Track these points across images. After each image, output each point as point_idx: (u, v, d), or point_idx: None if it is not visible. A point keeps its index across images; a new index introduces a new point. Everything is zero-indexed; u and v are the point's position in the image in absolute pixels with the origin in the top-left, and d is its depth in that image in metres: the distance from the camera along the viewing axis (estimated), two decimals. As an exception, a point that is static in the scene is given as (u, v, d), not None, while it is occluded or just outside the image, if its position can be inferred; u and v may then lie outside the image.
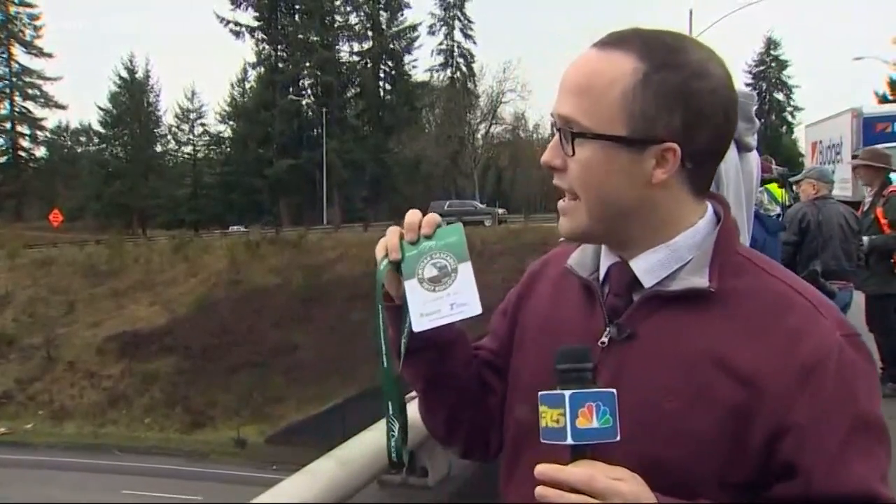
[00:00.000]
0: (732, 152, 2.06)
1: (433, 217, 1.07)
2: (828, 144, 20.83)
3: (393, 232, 1.08)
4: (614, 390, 0.88)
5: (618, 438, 0.87)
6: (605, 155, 0.98)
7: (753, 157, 2.20)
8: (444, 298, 1.03)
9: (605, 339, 1.01)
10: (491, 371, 1.18)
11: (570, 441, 0.86)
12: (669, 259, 1.01)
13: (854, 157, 14.82)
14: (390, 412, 1.09)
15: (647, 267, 1.02)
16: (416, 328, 1.04)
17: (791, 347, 0.93)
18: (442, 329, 1.05)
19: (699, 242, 1.02)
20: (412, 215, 1.08)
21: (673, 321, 0.98)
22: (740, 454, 0.93)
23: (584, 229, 1.02)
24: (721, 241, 1.01)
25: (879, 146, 8.39)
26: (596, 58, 1.00)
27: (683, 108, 0.97)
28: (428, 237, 1.06)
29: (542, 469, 0.88)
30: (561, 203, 1.03)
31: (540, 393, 0.91)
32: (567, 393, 0.87)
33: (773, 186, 7.52)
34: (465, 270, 1.04)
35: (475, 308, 1.03)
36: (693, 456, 0.93)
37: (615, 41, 1.00)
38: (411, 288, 1.05)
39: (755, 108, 2.18)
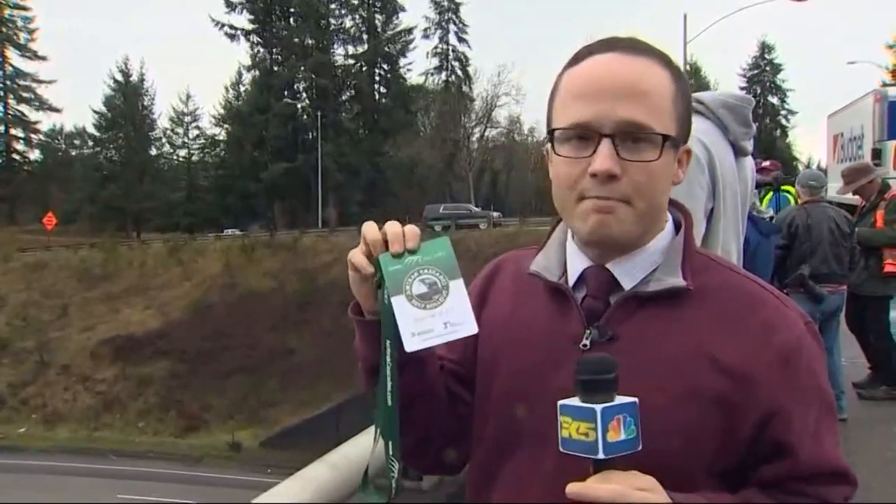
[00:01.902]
0: (729, 156, 2.05)
1: (414, 230, 1.02)
2: (849, 136, 17.38)
3: (374, 236, 1.01)
4: (636, 399, 0.88)
5: (640, 448, 0.88)
6: (667, 158, 1.01)
7: (748, 162, 2.20)
8: (436, 317, 0.98)
9: (586, 342, 1.01)
10: (457, 382, 1.16)
11: (601, 456, 0.86)
12: (645, 262, 1.04)
13: (875, 150, 14.25)
14: (390, 453, 1.02)
15: (627, 270, 1.04)
16: (409, 348, 0.97)
17: (767, 338, 0.99)
18: None
19: (665, 246, 1.05)
20: (394, 226, 1.01)
21: (653, 320, 1.00)
22: (730, 442, 0.97)
23: (631, 232, 1.01)
24: (688, 244, 1.06)
25: (858, 162, 8.41)
26: (636, 63, 1.01)
27: (690, 116, 1.06)
28: (412, 251, 1.00)
29: (573, 489, 0.88)
30: (603, 204, 0.99)
31: (560, 403, 0.90)
32: (598, 407, 0.86)
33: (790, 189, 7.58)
34: (458, 288, 0.99)
35: (471, 327, 0.98)
36: (684, 449, 0.95)
37: (638, 48, 1.03)
38: (399, 305, 0.98)
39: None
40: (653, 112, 0.99)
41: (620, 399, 0.88)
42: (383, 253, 1.01)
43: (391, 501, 1.04)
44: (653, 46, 1.05)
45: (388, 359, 1.01)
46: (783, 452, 0.97)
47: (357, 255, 1.02)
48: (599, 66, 1.01)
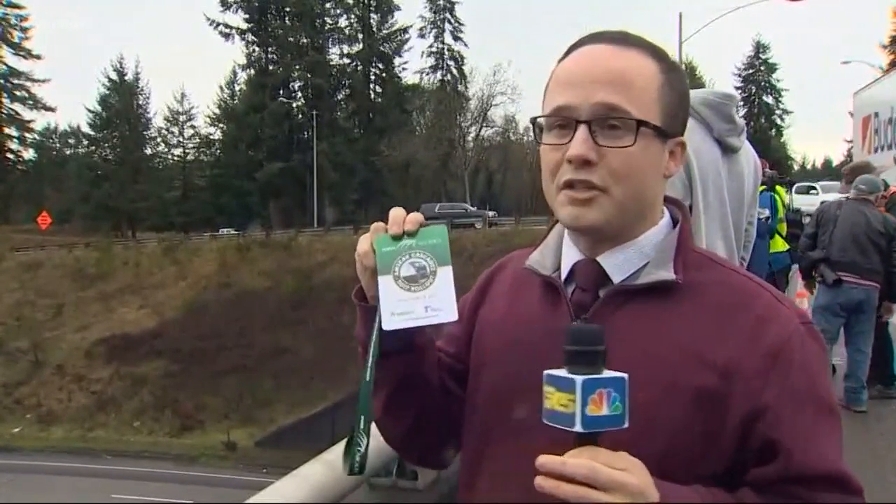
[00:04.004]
0: (713, 153, 2.06)
1: (417, 215, 1.04)
2: (889, 117, 14.35)
3: (376, 227, 1.05)
4: (626, 375, 0.85)
5: (626, 426, 0.85)
6: (648, 146, 1.00)
7: (744, 158, 2.17)
8: (419, 300, 0.99)
9: None
10: (451, 377, 1.16)
11: (578, 429, 0.83)
12: (636, 255, 1.04)
13: None
14: (361, 427, 1.03)
15: (617, 263, 1.04)
16: (386, 326, 0.99)
17: (757, 334, 0.96)
18: (418, 330, 1.03)
19: (660, 241, 1.05)
20: (396, 210, 1.05)
21: (641, 314, 1.00)
22: (716, 440, 0.95)
23: (610, 221, 1.01)
24: (683, 239, 1.05)
25: (858, 161, 8.36)
26: (622, 53, 1.01)
27: (686, 107, 1.05)
28: (410, 235, 1.02)
29: (542, 460, 0.85)
30: (580, 194, 0.99)
31: (546, 372, 0.87)
32: (579, 379, 0.83)
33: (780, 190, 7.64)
34: (445, 274, 1.00)
35: (451, 314, 0.99)
36: (668, 445, 0.94)
37: (627, 40, 1.03)
38: (385, 284, 1.00)
39: (742, 110, 2.18)
40: (632, 99, 0.98)
41: (609, 373, 0.85)
42: (382, 234, 1.03)
43: (362, 476, 1.04)
44: (644, 39, 1.04)
45: (375, 334, 1.03)
46: (774, 453, 0.93)
47: (363, 244, 1.05)
48: (584, 56, 1.03)
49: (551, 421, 0.85)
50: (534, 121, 1.06)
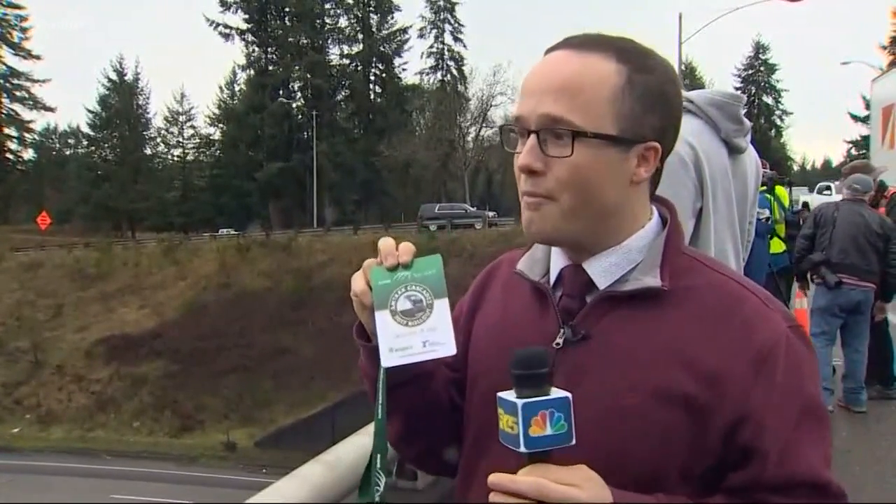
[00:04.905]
0: (721, 155, 2.05)
1: (409, 245, 1.03)
2: None
3: (368, 263, 1.04)
4: (569, 395, 0.87)
5: (573, 443, 0.86)
6: (596, 154, 0.97)
7: (749, 159, 2.18)
8: (416, 334, 0.98)
9: (559, 341, 1.01)
10: (454, 388, 1.16)
11: (523, 450, 0.86)
12: (622, 261, 1.02)
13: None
14: (378, 465, 1.02)
15: (602, 269, 1.03)
16: (385, 363, 0.99)
17: (744, 338, 0.95)
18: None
19: (648, 244, 1.03)
20: (387, 240, 1.03)
21: (627, 320, 0.99)
22: (702, 446, 0.94)
23: (558, 228, 1.01)
24: (670, 243, 1.03)
25: (857, 161, 8.29)
26: (575, 59, 0.99)
27: (661, 109, 1.00)
28: (406, 266, 1.01)
29: (494, 479, 0.88)
30: (530, 199, 1.01)
31: (498, 394, 0.90)
32: (519, 403, 0.86)
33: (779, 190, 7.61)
34: (442, 307, 0.99)
35: (449, 348, 0.99)
36: (656, 450, 0.93)
37: (589, 44, 1.01)
38: (382, 320, 0.99)
39: (744, 110, 2.17)
40: (577, 107, 0.96)
41: (556, 393, 0.87)
42: (376, 267, 1.02)
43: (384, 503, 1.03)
44: (613, 40, 1.01)
45: (381, 373, 1.02)
46: (751, 459, 0.93)
47: (359, 282, 1.04)
48: (541, 64, 1.02)
49: (504, 441, 0.89)
50: (501, 129, 1.07)
